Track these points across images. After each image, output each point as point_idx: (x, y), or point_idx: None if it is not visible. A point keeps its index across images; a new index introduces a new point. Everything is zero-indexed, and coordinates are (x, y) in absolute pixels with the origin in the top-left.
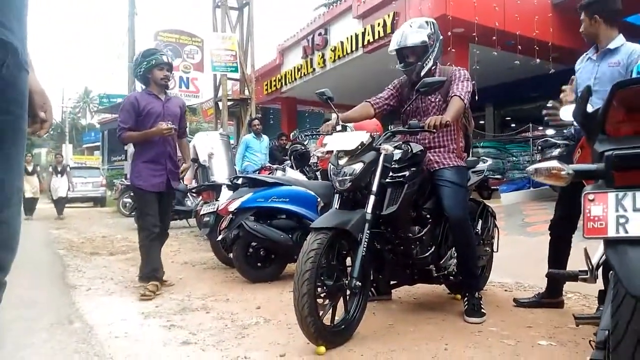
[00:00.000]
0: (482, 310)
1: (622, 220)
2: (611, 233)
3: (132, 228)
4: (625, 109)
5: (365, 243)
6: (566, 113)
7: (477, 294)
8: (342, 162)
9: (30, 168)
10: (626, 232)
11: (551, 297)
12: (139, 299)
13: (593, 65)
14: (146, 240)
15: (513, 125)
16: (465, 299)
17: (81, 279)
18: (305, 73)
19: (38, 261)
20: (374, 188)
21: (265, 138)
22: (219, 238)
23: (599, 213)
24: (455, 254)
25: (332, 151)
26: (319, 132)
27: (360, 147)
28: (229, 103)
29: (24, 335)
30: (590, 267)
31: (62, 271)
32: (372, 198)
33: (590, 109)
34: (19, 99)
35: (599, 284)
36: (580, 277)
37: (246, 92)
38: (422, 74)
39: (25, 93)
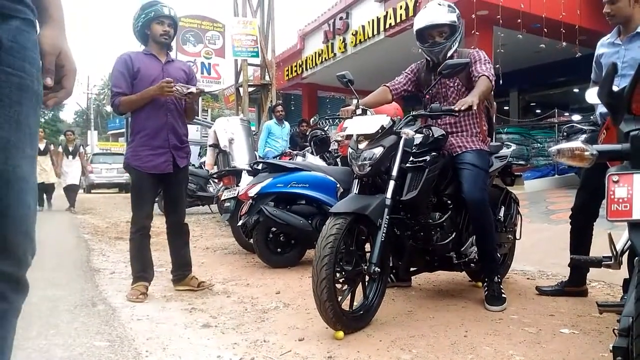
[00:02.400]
0: (503, 296)
1: None
2: (636, 215)
3: (156, 213)
4: None
5: (385, 229)
6: (591, 95)
7: (497, 278)
8: (361, 146)
9: (41, 146)
10: None
11: (575, 286)
12: (128, 300)
13: (619, 49)
14: (137, 234)
15: (538, 111)
16: (485, 285)
17: (105, 262)
18: (327, 58)
19: (63, 244)
20: (394, 173)
21: (286, 124)
22: (240, 223)
23: (623, 195)
24: (475, 239)
25: (352, 135)
26: (338, 116)
27: (380, 130)
28: (250, 89)
29: (48, 316)
30: (615, 252)
31: (87, 254)
32: (392, 183)
33: (616, 88)
34: (23, 55)
35: (624, 273)
36: (604, 263)
37: (267, 77)
38: (449, 55)
39: (30, 48)
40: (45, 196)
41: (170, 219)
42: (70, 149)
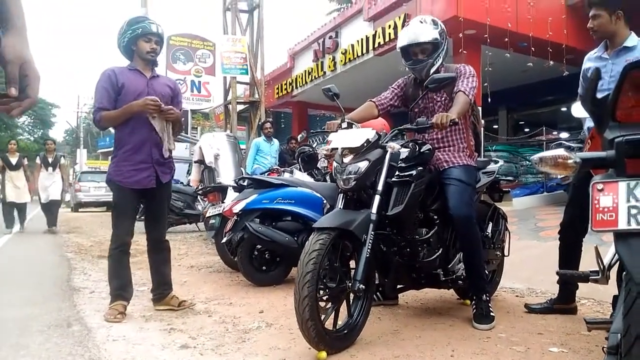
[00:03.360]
0: (492, 314)
1: (634, 212)
2: (622, 225)
3: (141, 232)
4: (638, 92)
5: (370, 244)
6: (578, 109)
7: (485, 297)
8: (346, 160)
9: (14, 160)
10: (638, 224)
11: (564, 303)
12: (106, 320)
13: (606, 64)
14: (116, 250)
15: (527, 129)
16: (473, 303)
17: (86, 281)
18: (316, 76)
19: (45, 263)
20: (380, 187)
21: (275, 142)
22: (224, 240)
23: (608, 204)
24: (462, 256)
25: (337, 149)
26: (324, 130)
27: (365, 144)
28: (240, 107)
29: (19, 336)
30: (602, 267)
31: (68, 273)
32: (377, 198)
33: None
34: None
35: (613, 289)
36: (591, 277)
37: (256, 95)
38: (432, 71)
39: None
40: (17, 216)
41: (151, 235)
42: (50, 160)
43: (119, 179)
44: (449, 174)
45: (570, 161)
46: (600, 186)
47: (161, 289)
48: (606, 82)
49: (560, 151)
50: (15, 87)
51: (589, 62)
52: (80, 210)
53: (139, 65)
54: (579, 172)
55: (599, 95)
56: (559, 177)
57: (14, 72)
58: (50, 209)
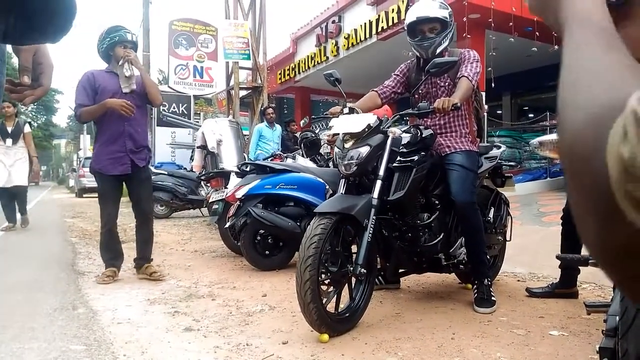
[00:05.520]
0: (493, 298)
1: None
2: None
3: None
4: None
5: (372, 229)
6: None
7: (486, 281)
8: (347, 145)
9: (9, 126)
10: None
11: (565, 287)
12: (97, 282)
13: None
14: (104, 229)
15: (531, 115)
16: (475, 287)
17: (90, 266)
18: (319, 61)
19: (49, 248)
20: (381, 172)
21: (278, 127)
22: (227, 225)
23: None
24: (464, 241)
25: (339, 134)
26: (327, 115)
27: (367, 129)
28: (242, 92)
29: (26, 319)
30: None
31: (73, 258)
32: (378, 183)
33: None
34: None
35: None
36: (590, 261)
37: (258, 80)
38: (438, 51)
39: None
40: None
41: (136, 213)
42: (9, 129)
43: (99, 167)
44: (451, 160)
45: None
46: None
47: (140, 260)
48: None
49: None
50: (28, 75)
51: None
52: (84, 195)
53: (115, 68)
54: None
55: None
56: None
57: (27, 60)
58: (12, 197)
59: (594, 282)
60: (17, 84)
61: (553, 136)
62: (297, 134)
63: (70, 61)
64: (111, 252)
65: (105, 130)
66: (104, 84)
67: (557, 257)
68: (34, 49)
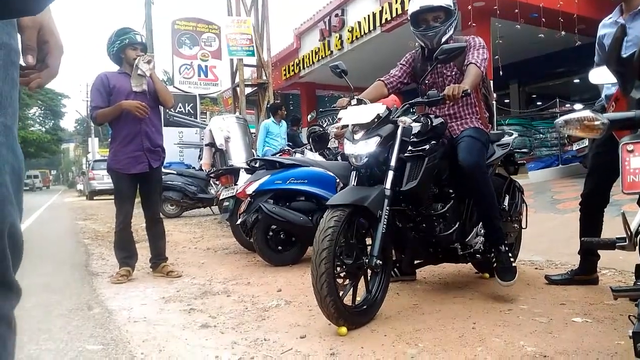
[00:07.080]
0: (514, 265)
1: None
2: None
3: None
4: None
5: (385, 220)
6: (596, 75)
7: (504, 248)
8: (357, 136)
9: None
10: None
11: (585, 274)
12: (112, 282)
13: None
14: (119, 227)
15: (539, 103)
16: (493, 256)
17: (104, 266)
18: (323, 56)
19: (63, 250)
20: (393, 163)
21: (284, 123)
22: (239, 222)
23: (639, 165)
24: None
25: (347, 126)
26: (335, 108)
27: (376, 120)
28: (248, 90)
29: (41, 321)
30: (630, 233)
31: (86, 259)
32: (390, 173)
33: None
34: None
35: (636, 258)
36: (618, 244)
37: (263, 76)
38: (443, 40)
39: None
40: None
41: (147, 214)
42: None
43: (117, 166)
44: (461, 135)
45: (597, 122)
46: (630, 147)
47: (156, 259)
48: (623, 47)
49: (587, 112)
50: (32, 54)
51: (604, 29)
52: (95, 198)
53: (127, 70)
54: (605, 134)
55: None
56: (574, 148)
57: (31, 39)
58: None
59: (614, 267)
60: (23, 68)
61: (579, 114)
62: (301, 132)
63: (74, 65)
64: (125, 251)
65: (122, 130)
66: (118, 84)
67: (582, 242)
68: (38, 25)
